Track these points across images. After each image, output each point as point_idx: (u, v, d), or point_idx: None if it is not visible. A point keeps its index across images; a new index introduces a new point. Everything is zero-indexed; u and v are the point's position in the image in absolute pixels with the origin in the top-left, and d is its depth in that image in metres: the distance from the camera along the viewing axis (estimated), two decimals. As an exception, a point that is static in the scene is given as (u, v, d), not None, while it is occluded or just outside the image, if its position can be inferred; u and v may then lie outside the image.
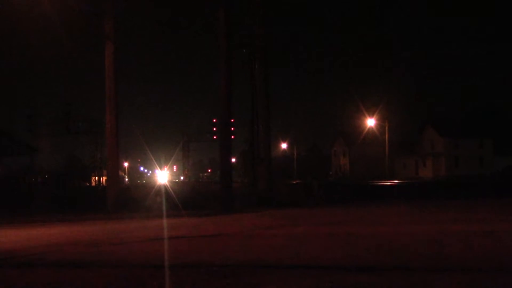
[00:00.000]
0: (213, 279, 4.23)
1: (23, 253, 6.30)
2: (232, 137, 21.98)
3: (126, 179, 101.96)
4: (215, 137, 42.94)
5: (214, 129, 37.12)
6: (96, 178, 66.30)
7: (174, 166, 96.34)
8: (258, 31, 21.53)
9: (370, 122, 66.42)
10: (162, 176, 70.53)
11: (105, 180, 36.31)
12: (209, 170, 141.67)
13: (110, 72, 19.46)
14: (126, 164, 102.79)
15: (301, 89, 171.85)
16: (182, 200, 19.59)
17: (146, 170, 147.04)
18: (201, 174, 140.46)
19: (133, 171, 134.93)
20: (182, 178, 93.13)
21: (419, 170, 74.52)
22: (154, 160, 79.87)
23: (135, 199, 22.05)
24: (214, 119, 35.39)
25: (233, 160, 41.32)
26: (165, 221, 12.27)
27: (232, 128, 22.07)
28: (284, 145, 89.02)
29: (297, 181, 50.91)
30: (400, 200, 19.91)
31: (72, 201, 22.98)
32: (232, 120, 21.01)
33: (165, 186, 31.74)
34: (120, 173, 34.07)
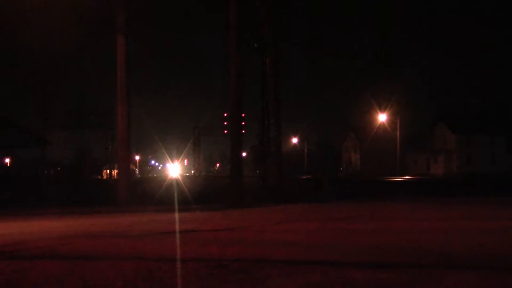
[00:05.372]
0: (223, 273, 4.24)
1: (34, 245, 6.36)
2: (243, 131, 21.99)
3: (137, 173, 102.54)
4: (225, 131, 43.00)
5: (225, 123, 37.14)
6: (108, 171, 66.75)
7: (185, 160, 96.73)
8: (269, 25, 21.49)
9: (382, 117, 66.12)
10: (174, 169, 70.84)
11: (116, 173, 36.55)
12: (218, 165, 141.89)
13: (121, 65, 19.50)
14: (137, 158, 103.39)
15: (312, 84, 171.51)
16: (193, 194, 19.69)
17: (157, 164, 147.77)
18: (211, 168, 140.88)
19: (144, 165, 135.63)
20: (192, 172, 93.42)
21: (430, 167, 74.07)
22: (166, 154, 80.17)
23: (146, 192, 22.17)
24: (225, 113, 35.41)
25: (244, 154, 41.41)
26: (176, 215, 12.31)
27: (243, 123, 22.08)
28: (295, 140, 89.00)
29: (308, 176, 50.97)
30: (411, 196, 19.84)
31: (83, 194, 23.17)
32: (242, 115, 21.02)
33: (176, 180, 31.91)
34: (131, 166, 34.23)
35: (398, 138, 61.16)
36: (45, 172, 47.87)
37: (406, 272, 4.19)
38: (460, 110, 76.26)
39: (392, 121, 65.82)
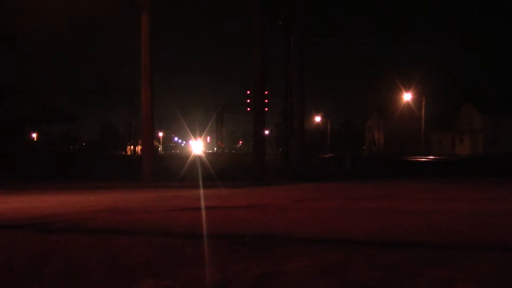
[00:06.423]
0: (245, 250, 4.27)
1: (62, 219, 6.49)
2: (266, 109, 21.96)
3: (160, 149, 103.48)
4: (248, 109, 43.00)
5: (248, 101, 37.11)
6: (132, 147, 67.54)
7: (208, 137, 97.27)
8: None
9: (407, 96, 65.17)
10: (197, 146, 71.36)
11: (140, 149, 36.95)
12: (241, 142, 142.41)
13: (145, 43, 19.58)
14: (160, 134, 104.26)
15: (336, 62, 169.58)
16: (216, 171, 19.86)
17: (180, 141, 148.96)
18: (234, 146, 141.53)
19: (168, 141, 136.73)
20: (215, 149, 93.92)
21: (455, 147, 73.03)
22: (188, 131, 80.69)
23: (169, 168, 22.41)
24: (248, 91, 35.35)
25: (267, 132, 41.38)
26: (199, 191, 12.43)
27: (266, 101, 22.03)
28: (318, 119, 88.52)
29: (330, 154, 50.84)
30: (436, 176, 19.63)
31: (108, 170, 23.53)
32: (266, 92, 20.97)
33: (200, 157, 32.18)
34: (155, 143, 34.56)
35: (423, 118, 60.26)
36: (71, 147, 48.65)
37: (429, 253, 4.17)
38: (486, 89, 74.71)
39: (417, 99, 64.83)
